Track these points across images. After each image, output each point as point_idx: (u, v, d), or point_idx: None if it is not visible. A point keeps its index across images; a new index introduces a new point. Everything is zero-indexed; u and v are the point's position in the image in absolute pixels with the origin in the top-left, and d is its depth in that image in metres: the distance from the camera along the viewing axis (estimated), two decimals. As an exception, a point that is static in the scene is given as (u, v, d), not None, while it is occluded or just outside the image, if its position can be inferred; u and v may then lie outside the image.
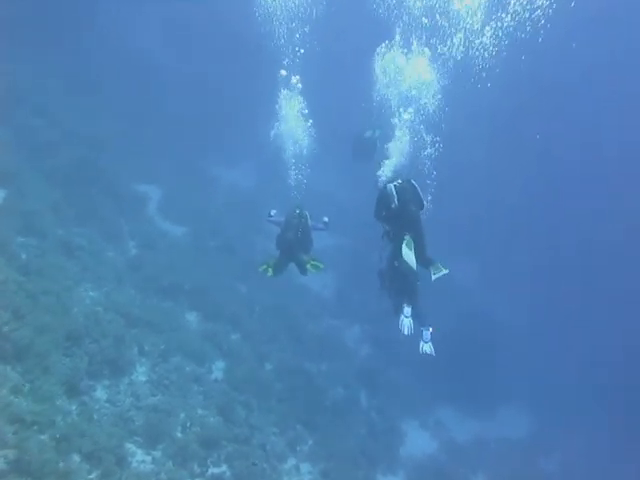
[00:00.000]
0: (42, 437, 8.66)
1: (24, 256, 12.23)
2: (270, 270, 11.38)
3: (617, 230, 28.91)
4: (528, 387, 23.05)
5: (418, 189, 10.22)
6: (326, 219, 12.00)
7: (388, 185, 10.30)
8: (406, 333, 10.43)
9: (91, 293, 13.15)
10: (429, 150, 12.23)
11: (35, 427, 8.63)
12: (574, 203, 30.68)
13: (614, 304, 26.38)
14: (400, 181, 10.29)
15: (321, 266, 11.36)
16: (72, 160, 17.04)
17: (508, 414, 21.78)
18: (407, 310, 10.53)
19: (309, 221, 11.57)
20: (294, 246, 11.30)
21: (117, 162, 19.64)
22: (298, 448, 13.90)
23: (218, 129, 27.66)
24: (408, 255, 9.82)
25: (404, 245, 9.87)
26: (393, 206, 10.05)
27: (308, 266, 11.23)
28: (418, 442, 17.59)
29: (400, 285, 10.90)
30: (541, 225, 30.73)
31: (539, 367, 23.34)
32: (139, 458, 10.23)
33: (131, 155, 21.54)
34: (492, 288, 26.88)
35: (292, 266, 11.88)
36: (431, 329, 10.75)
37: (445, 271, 10.03)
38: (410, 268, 10.03)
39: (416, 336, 10.72)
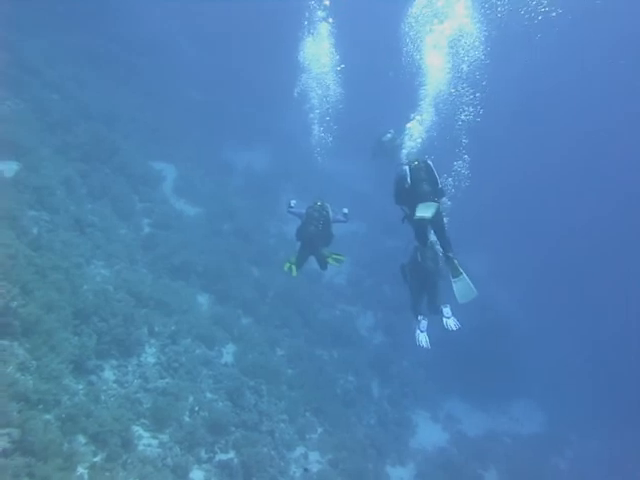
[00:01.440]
0: (47, 416, 8.45)
1: (35, 231, 11.98)
2: (294, 269, 11.15)
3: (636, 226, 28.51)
4: (541, 382, 22.79)
5: (433, 169, 9.85)
6: (346, 210, 11.68)
7: (403, 166, 10.00)
8: (424, 346, 10.33)
9: (102, 271, 12.93)
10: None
11: (40, 406, 8.42)
12: (590, 198, 30.32)
13: (631, 300, 25.98)
14: (417, 162, 9.95)
15: (343, 259, 11.14)
16: (87, 136, 16.74)
17: (520, 409, 21.44)
18: (423, 324, 10.45)
19: (330, 213, 11.29)
20: (315, 239, 11.04)
21: (133, 139, 19.45)
22: (307, 436, 13.69)
23: (235, 112, 27.43)
24: (422, 210, 9.30)
25: (419, 207, 9.40)
26: (406, 186, 9.68)
27: (329, 260, 11.01)
28: (429, 434, 17.31)
29: (422, 281, 10.72)
30: (558, 219, 30.34)
31: (552, 362, 23.08)
32: (145, 442, 10.03)
33: (147, 133, 21.32)
34: (506, 281, 26.57)
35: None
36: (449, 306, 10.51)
37: (462, 274, 9.62)
38: (430, 262, 10.14)
39: (432, 336, 10.57)
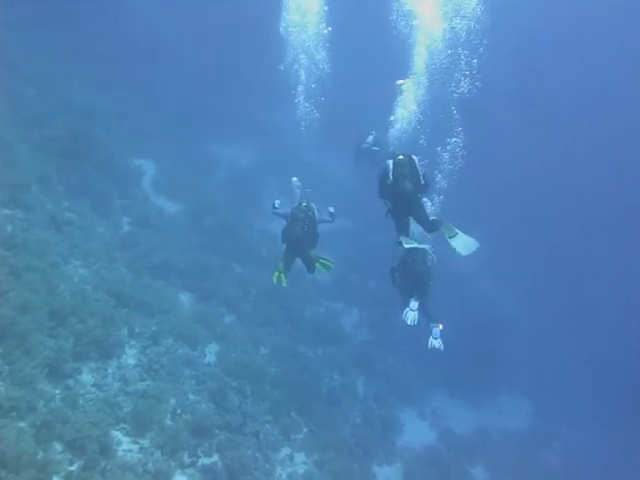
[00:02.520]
0: (21, 424, 8.11)
1: (9, 229, 11.61)
2: (283, 278, 10.95)
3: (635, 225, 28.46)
4: (529, 376, 22.71)
5: (417, 165, 9.77)
6: (332, 209, 11.56)
7: (388, 160, 9.85)
8: (409, 324, 10.29)
9: (80, 270, 12.58)
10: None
11: (13, 413, 8.07)
12: (590, 195, 30.22)
13: (620, 294, 26.03)
14: (401, 157, 9.79)
15: (331, 265, 11.05)
16: (63, 131, 16.30)
17: (508, 404, 21.28)
18: (414, 304, 10.42)
19: (316, 214, 11.10)
20: (301, 241, 10.91)
21: (111, 135, 18.98)
22: (292, 437, 13.41)
23: (217, 106, 27.04)
24: (409, 242, 9.75)
25: (402, 240, 9.82)
26: (388, 182, 9.68)
27: (317, 265, 10.91)
28: (416, 432, 17.05)
29: (412, 283, 10.69)
30: (549, 215, 30.19)
31: (540, 356, 22.98)
32: (125, 447, 9.69)
33: (126, 128, 20.89)
34: (494, 275, 26.46)
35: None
36: (441, 326, 10.54)
37: (458, 232, 9.47)
38: (419, 264, 10.24)
39: (419, 326, 10.48)
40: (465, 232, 9.56)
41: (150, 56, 26.80)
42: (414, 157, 9.89)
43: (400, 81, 12.28)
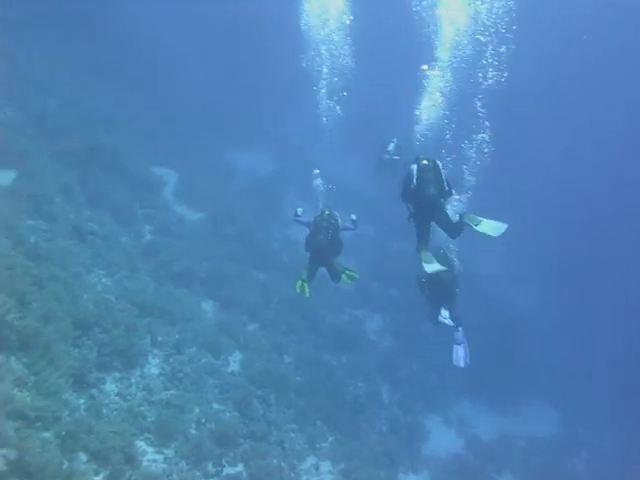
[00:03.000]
0: (46, 434, 8.05)
1: (33, 240, 11.62)
2: (307, 288, 10.86)
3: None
4: (555, 383, 22.33)
5: (442, 170, 9.62)
6: (354, 217, 11.49)
7: (412, 165, 9.74)
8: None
9: (102, 280, 12.58)
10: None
11: (39, 424, 8.02)
12: (608, 195, 29.72)
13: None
14: (426, 161, 9.66)
15: (356, 276, 10.97)
16: (85, 142, 16.44)
17: (534, 411, 20.97)
18: (445, 312, 10.71)
19: (339, 221, 11.00)
20: (325, 249, 10.80)
21: (132, 144, 19.11)
22: (318, 446, 13.25)
23: (237, 114, 27.09)
24: (432, 267, 9.57)
25: (423, 263, 9.62)
26: (412, 186, 9.55)
27: (343, 276, 10.85)
28: (442, 439, 16.82)
29: (439, 291, 10.78)
30: (571, 216, 29.71)
31: (567, 361, 22.60)
32: (150, 457, 9.61)
33: (147, 138, 21.03)
34: (519, 279, 26.13)
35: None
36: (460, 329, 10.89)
37: (482, 219, 9.28)
38: (445, 273, 10.07)
39: (444, 332, 10.57)
40: (489, 218, 9.41)
41: (165, 64, 26.84)
42: (438, 162, 9.79)
43: (425, 66, 12.14)
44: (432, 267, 9.62)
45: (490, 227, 9.17)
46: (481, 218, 9.26)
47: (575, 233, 28.85)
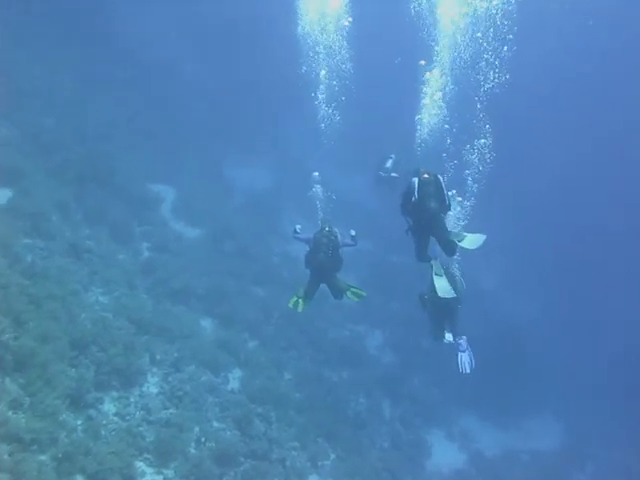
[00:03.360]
0: (42, 457, 7.92)
1: (29, 258, 11.53)
2: (301, 303, 10.71)
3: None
4: (558, 395, 22.14)
5: (443, 185, 9.58)
6: (353, 232, 11.37)
7: (413, 178, 9.69)
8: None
9: (100, 298, 12.46)
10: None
11: (34, 446, 7.89)
12: (605, 202, 29.64)
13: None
14: (427, 175, 9.62)
15: (363, 294, 10.83)
16: (82, 159, 16.34)
17: (538, 424, 20.76)
18: (448, 335, 10.65)
19: (339, 238, 10.90)
20: (326, 266, 10.66)
21: (129, 161, 18.98)
22: (320, 463, 13.10)
23: (234, 130, 27.03)
24: (444, 289, 9.71)
25: (434, 276, 9.78)
26: (413, 199, 9.48)
27: (349, 294, 10.70)
28: (444, 454, 16.67)
29: (441, 308, 10.66)
30: (570, 220, 29.51)
31: (570, 375, 22.40)
32: (149, 478, 9.51)
33: (144, 154, 20.87)
34: (520, 292, 25.97)
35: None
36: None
37: (466, 234, 9.39)
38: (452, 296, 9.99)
39: (445, 347, 10.74)
40: (469, 232, 9.50)
41: (165, 78, 26.75)
42: (439, 176, 9.77)
43: (423, 61, 12.10)
44: (445, 292, 9.63)
45: (470, 241, 9.23)
46: (465, 234, 9.32)
47: (572, 237, 28.69)
